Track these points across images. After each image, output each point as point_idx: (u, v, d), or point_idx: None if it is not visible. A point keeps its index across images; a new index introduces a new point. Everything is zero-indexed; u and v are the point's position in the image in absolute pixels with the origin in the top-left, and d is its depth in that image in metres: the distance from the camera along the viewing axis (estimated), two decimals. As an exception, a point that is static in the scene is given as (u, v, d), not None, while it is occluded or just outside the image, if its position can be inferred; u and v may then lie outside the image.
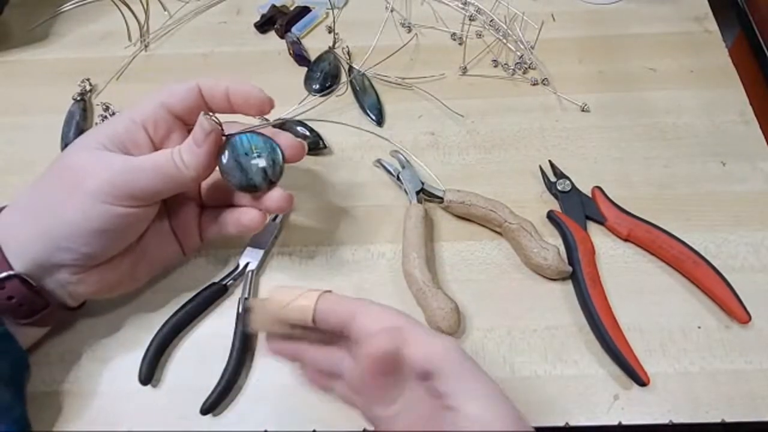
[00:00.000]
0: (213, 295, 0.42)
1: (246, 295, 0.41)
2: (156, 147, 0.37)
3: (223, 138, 0.37)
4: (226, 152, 0.37)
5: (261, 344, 0.41)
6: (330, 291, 0.32)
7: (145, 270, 0.40)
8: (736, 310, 0.40)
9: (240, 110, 0.37)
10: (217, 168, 0.37)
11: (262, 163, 0.37)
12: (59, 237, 0.34)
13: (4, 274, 0.33)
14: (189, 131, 0.37)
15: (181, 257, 0.42)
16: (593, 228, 0.44)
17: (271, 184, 0.38)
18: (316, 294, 0.31)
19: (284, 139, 0.38)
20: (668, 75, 0.53)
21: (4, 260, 0.33)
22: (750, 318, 0.39)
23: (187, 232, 0.41)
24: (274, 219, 0.45)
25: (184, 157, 0.35)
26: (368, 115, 0.51)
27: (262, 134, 0.37)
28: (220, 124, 0.36)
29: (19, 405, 0.36)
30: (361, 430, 0.37)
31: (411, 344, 0.29)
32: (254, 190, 0.37)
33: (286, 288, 0.32)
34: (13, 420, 0.35)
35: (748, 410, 0.37)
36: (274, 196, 0.38)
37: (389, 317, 0.31)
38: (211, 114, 0.35)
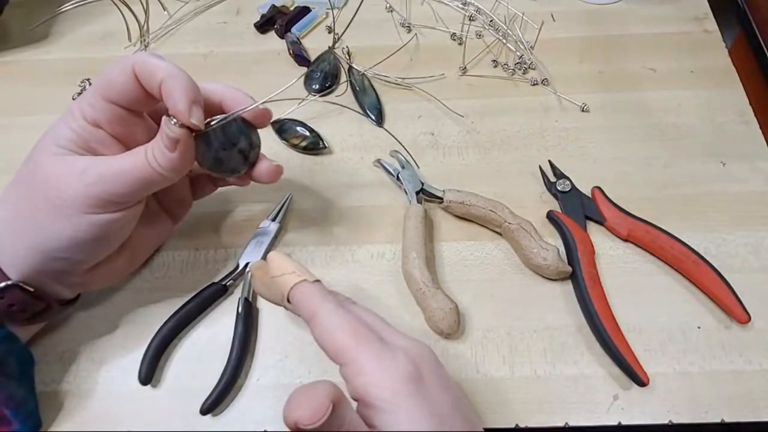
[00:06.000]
0: (213, 295, 0.42)
1: (246, 295, 0.41)
2: (122, 141, 0.34)
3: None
4: (203, 147, 0.35)
5: (261, 344, 0.41)
6: (318, 281, 0.31)
7: (143, 252, 0.41)
8: (735, 311, 0.40)
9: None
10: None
11: (239, 150, 0.36)
12: (51, 250, 0.33)
13: (2, 285, 0.33)
14: (152, 117, 0.35)
15: (173, 229, 0.43)
16: (593, 228, 0.44)
17: (252, 165, 0.38)
18: (296, 279, 0.31)
19: (248, 113, 0.35)
20: (668, 75, 0.53)
21: (0, 271, 0.33)
22: (749, 318, 0.39)
23: (180, 203, 0.42)
24: (274, 219, 0.45)
25: (158, 159, 0.33)
26: (368, 115, 0.51)
27: (233, 119, 0.35)
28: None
29: (32, 399, 0.37)
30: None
31: (356, 374, 0.28)
32: (237, 174, 0.38)
33: (285, 260, 0.32)
34: (28, 413, 0.36)
35: (748, 410, 0.37)
36: (264, 169, 0.38)
37: (339, 336, 0.29)
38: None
